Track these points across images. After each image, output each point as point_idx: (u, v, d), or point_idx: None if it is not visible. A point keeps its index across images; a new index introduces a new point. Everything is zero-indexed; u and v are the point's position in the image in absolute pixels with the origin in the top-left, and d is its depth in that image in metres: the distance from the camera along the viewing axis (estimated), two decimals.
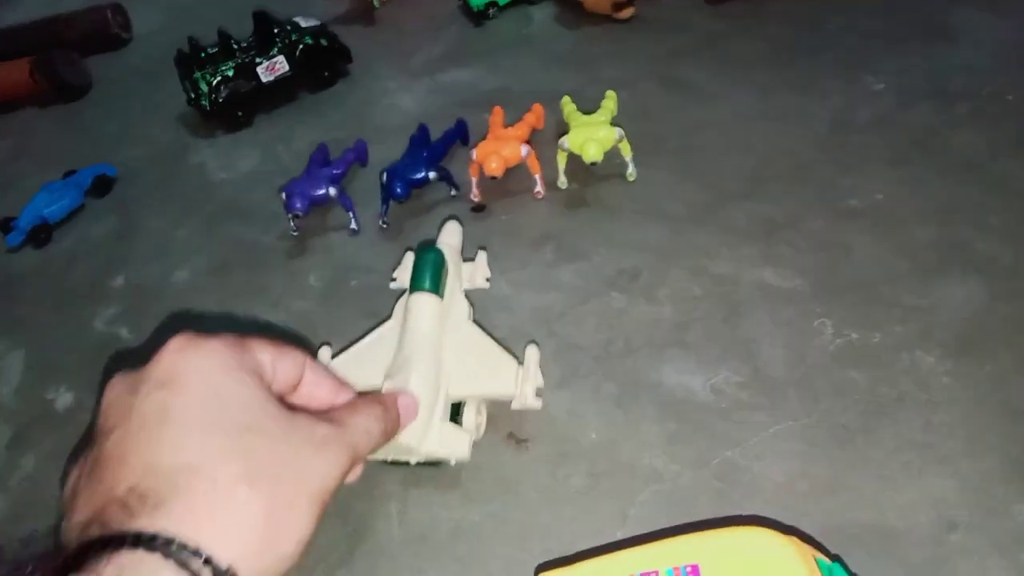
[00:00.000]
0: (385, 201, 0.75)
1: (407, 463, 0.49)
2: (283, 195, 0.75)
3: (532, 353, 0.53)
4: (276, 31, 0.98)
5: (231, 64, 0.96)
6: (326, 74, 1.02)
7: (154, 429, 0.28)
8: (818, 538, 0.43)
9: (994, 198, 0.63)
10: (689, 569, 0.38)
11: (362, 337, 0.56)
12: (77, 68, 1.18)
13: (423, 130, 0.83)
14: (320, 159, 0.82)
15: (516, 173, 0.74)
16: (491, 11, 1.09)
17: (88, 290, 0.79)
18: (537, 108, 0.81)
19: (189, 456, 0.27)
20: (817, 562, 0.37)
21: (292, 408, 0.32)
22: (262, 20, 0.99)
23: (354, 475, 0.37)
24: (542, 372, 0.53)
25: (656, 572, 0.38)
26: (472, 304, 0.58)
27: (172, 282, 0.76)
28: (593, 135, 0.70)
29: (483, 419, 0.53)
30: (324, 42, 1.00)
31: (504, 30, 1.08)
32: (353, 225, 0.75)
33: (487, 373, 0.52)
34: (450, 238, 0.63)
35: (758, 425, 0.50)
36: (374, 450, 0.36)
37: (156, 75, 1.15)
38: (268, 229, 0.79)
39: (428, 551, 0.48)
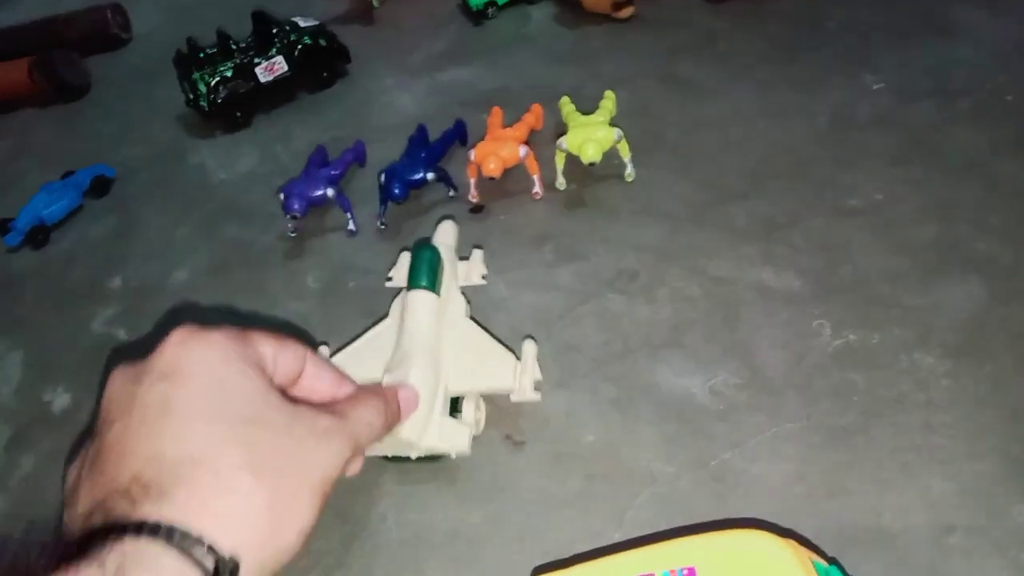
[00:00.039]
0: (383, 202, 0.75)
1: (407, 458, 0.50)
2: (281, 196, 0.75)
3: (530, 347, 0.54)
4: (275, 31, 0.98)
5: (230, 64, 0.95)
6: (325, 74, 1.02)
7: (156, 420, 0.28)
8: (816, 540, 0.43)
9: (995, 197, 0.63)
10: (686, 572, 0.38)
11: (360, 336, 0.57)
12: (76, 68, 1.18)
13: (422, 130, 0.83)
14: (318, 160, 0.82)
15: (514, 174, 0.74)
16: (490, 10, 1.09)
17: (86, 291, 0.79)
18: (536, 108, 0.81)
19: (192, 447, 0.27)
20: (814, 564, 0.37)
21: (294, 400, 0.32)
22: (261, 20, 0.98)
23: (355, 468, 0.38)
24: (540, 373, 0.53)
25: (653, 575, 0.38)
26: (469, 302, 0.58)
27: (170, 283, 0.76)
28: (592, 135, 0.69)
29: (482, 415, 0.53)
30: (323, 42, 1.00)
31: (503, 29, 1.07)
32: (351, 226, 0.75)
33: (485, 368, 0.53)
34: (445, 237, 0.63)
35: (756, 427, 0.50)
36: (375, 441, 0.37)
37: (155, 75, 1.15)
38: (266, 229, 0.79)
39: (425, 552, 0.48)
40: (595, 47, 0.98)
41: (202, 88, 0.95)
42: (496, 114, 0.80)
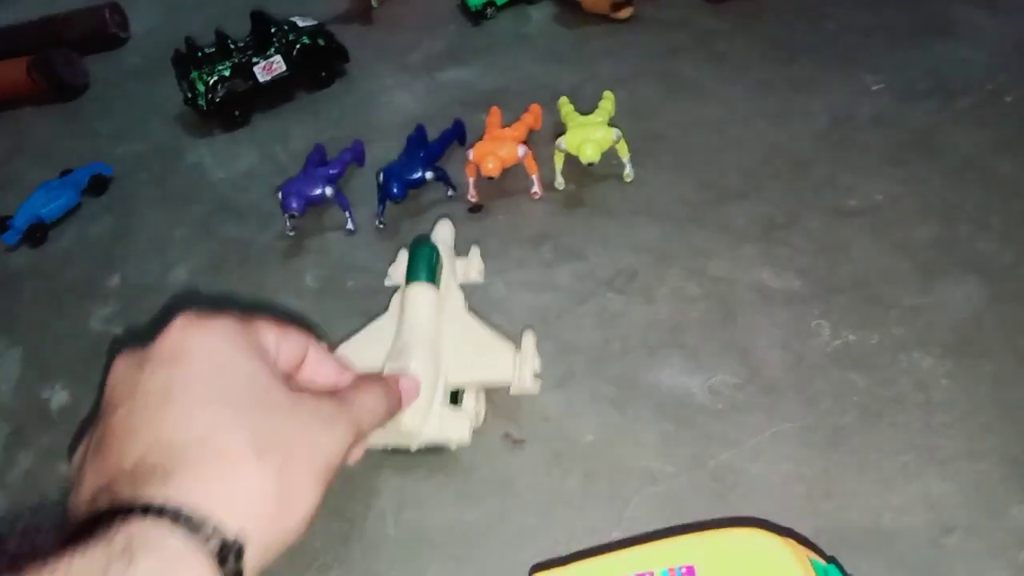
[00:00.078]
0: (382, 201, 0.74)
1: (408, 450, 0.50)
2: (279, 195, 0.75)
3: (529, 338, 0.54)
4: (273, 31, 0.97)
5: (228, 64, 0.95)
6: (323, 74, 1.01)
7: (160, 404, 0.28)
8: (814, 540, 0.43)
9: (994, 197, 0.63)
10: (685, 570, 0.37)
11: (359, 331, 0.57)
12: (75, 67, 1.18)
13: (420, 130, 0.83)
14: (317, 159, 0.82)
15: (513, 173, 0.73)
16: (489, 10, 1.09)
17: (84, 289, 0.78)
18: (535, 108, 0.81)
19: (197, 429, 0.27)
20: (813, 564, 0.37)
21: (297, 387, 0.32)
22: (259, 20, 0.98)
23: (356, 456, 0.38)
24: (540, 363, 0.53)
25: (651, 573, 0.38)
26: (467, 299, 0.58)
27: (168, 281, 0.76)
28: (590, 136, 0.69)
29: (482, 407, 0.54)
30: (321, 42, 1.00)
31: (502, 29, 1.07)
32: (349, 225, 0.75)
33: (484, 360, 0.53)
34: (442, 234, 0.63)
35: (755, 426, 0.50)
36: (377, 428, 0.37)
37: (153, 75, 1.14)
38: (265, 229, 0.79)
39: (423, 551, 0.48)
40: (594, 47, 0.97)
41: (200, 87, 0.95)
42: (495, 114, 0.80)
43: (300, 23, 1.00)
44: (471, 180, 0.74)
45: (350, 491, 0.51)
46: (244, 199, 0.85)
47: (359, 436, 0.33)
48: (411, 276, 0.55)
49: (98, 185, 0.92)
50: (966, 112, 0.73)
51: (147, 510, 0.24)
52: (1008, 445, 0.46)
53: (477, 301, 0.60)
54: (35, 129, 1.14)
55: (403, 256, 0.62)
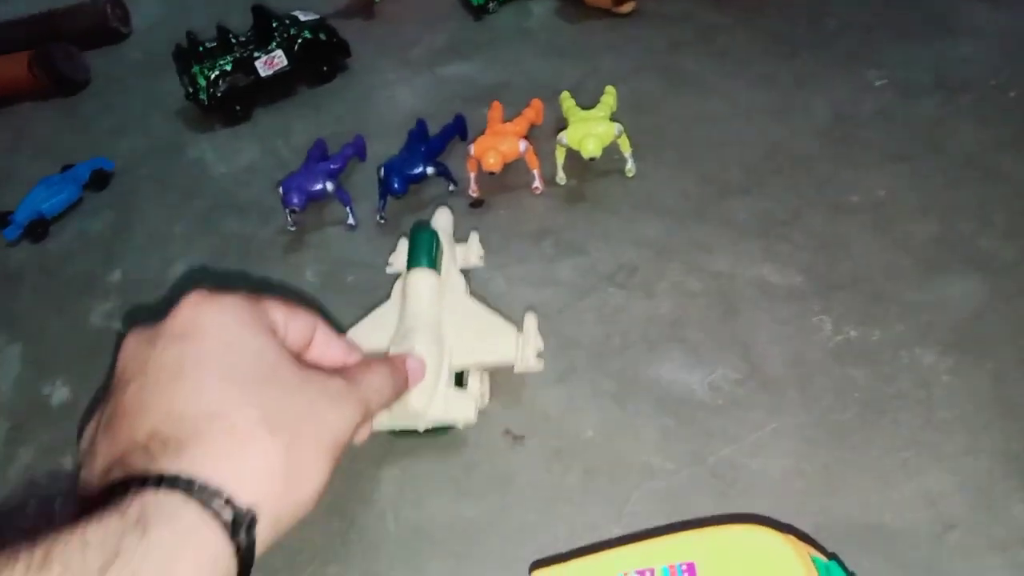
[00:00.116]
0: (383, 196, 0.74)
1: (415, 432, 0.50)
2: (280, 190, 0.75)
3: (531, 319, 0.54)
4: (275, 25, 0.97)
5: (229, 58, 0.95)
6: (325, 68, 1.01)
7: (172, 379, 0.28)
8: (815, 536, 0.43)
9: (996, 194, 0.63)
10: (685, 567, 0.37)
11: (362, 319, 0.57)
12: (76, 62, 1.18)
13: (421, 125, 0.83)
14: (318, 154, 0.82)
15: (514, 168, 0.73)
16: (490, 5, 1.08)
17: (85, 284, 0.78)
18: (536, 103, 0.81)
19: (208, 404, 0.27)
20: (814, 560, 0.37)
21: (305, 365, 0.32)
22: (261, 14, 0.98)
23: (363, 435, 0.38)
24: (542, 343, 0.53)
25: (652, 570, 0.38)
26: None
27: (169, 276, 0.76)
28: (592, 131, 0.69)
29: (487, 388, 0.54)
30: (323, 36, 1.00)
31: (503, 24, 1.07)
32: (351, 220, 0.75)
33: (488, 341, 0.53)
34: (442, 221, 0.63)
35: (756, 423, 0.50)
36: (384, 407, 0.37)
37: (155, 69, 1.14)
38: (266, 223, 0.79)
39: (422, 547, 0.48)
40: (596, 42, 0.97)
41: (202, 82, 0.94)
42: (496, 109, 0.80)
43: (302, 17, 1.00)
44: (472, 175, 0.74)
45: (350, 487, 0.51)
46: (245, 194, 0.85)
47: (366, 415, 0.34)
48: (412, 262, 0.55)
49: (99, 180, 0.92)
50: (968, 109, 0.72)
51: (161, 481, 0.25)
52: (1009, 442, 0.46)
53: (477, 295, 0.60)
54: (36, 124, 1.14)
55: (403, 244, 0.62)
